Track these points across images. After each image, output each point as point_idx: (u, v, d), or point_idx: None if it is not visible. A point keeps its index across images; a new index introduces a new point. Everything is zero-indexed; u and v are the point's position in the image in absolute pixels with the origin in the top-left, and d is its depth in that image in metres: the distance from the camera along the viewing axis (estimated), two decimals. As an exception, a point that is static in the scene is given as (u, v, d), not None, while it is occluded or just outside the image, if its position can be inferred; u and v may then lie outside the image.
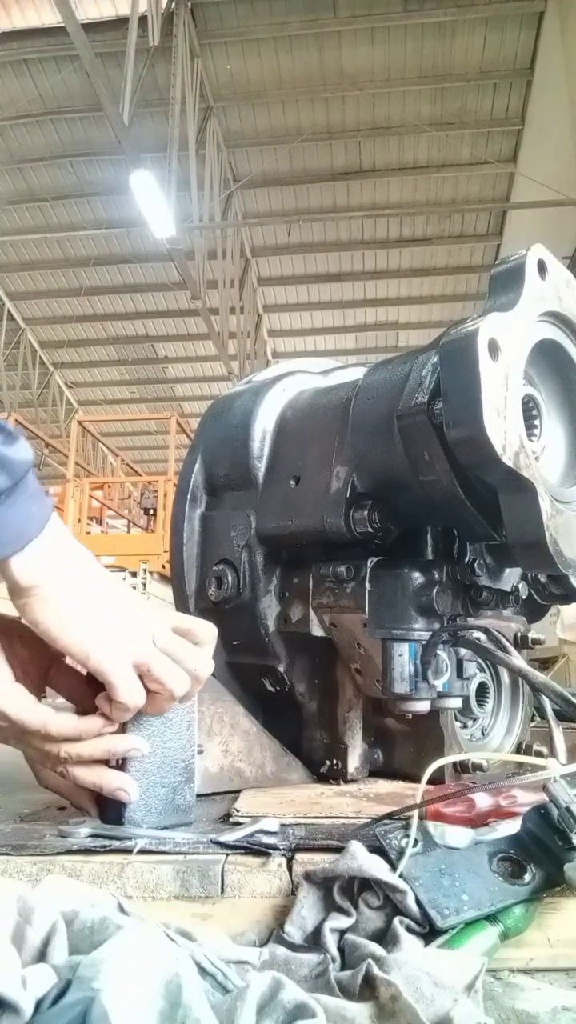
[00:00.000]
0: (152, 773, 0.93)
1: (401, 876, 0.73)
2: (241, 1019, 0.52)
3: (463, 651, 1.15)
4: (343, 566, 1.20)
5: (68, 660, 0.87)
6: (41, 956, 0.57)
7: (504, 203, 12.73)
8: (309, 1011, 0.54)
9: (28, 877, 0.80)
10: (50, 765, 0.87)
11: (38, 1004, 0.50)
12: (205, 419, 1.52)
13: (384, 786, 1.23)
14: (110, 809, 0.92)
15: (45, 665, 0.89)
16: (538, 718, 1.41)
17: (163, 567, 8.87)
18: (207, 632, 0.90)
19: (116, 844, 0.85)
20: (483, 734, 1.35)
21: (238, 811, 0.99)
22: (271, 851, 0.83)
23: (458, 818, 0.83)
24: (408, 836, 0.78)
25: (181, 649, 0.86)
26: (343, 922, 0.72)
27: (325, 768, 1.28)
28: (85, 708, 0.87)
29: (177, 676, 0.84)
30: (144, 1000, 0.51)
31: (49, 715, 0.82)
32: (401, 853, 0.76)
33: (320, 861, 0.79)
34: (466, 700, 1.24)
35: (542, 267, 1.07)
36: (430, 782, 0.85)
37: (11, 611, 0.82)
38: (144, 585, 9.03)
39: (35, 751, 0.85)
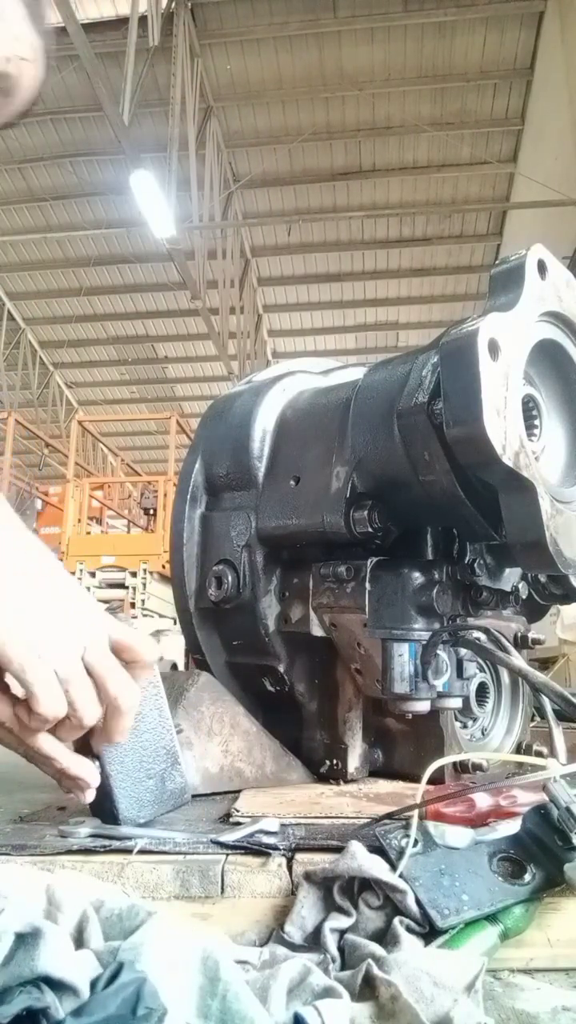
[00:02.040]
0: (135, 768, 0.92)
1: (401, 876, 0.73)
2: (273, 994, 0.56)
3: (463, 651, 1.15)
4: (343, 566, 1.20)
5: None
6: (77, 943, 0.60)
7: (504, 203, 12.72)
8: (336, 993, 0.58)
9: (28, 877, 0.80)
10: (15, 746, 0.79)
11: (92, 985, 0.53)
12: (205, 419, 1.52)
13: (384, 786, 1.23)
14: (103, 807, 0.92)
15: None
16: (538, 718, 1.41)
17: (163, 567, 8.87)
18: (147, 652, 0.81)
19: (116, 844, 0.85)
20: (483, 734, 1.35)
21: (238, 811, 0.99)
22: (271, 851, 0.83)
23: (458, 818, 0.83)
24: (408, 836, 0.78)
25: (108, 669, 0.76)
26: (343, 922, 0.72)
27: (325, 768, 1.28)
28: None
29: (91, 706, 0.75)
30: (185, 977, 0.55)
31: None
32: (401, 853, 0.76)
33: (320, 861, 0.79)
34: (466, 700, 1.24)
35: (542, 267, 1.07)
36: (430, 782, 0.85)
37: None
38: (144, 585, 9.04)
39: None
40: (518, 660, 1.06)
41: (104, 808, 0.92)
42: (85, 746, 0.82)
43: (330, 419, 1.28)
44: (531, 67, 10.52)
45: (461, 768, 1.18)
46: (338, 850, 0.78)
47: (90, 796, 0.82)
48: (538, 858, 0.76)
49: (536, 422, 1.14)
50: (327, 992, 0.58)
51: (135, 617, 8.34)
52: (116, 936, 0.61)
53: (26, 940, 0.54)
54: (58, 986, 0.52)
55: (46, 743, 0.76)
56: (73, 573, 8.25)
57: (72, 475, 10.79)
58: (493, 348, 0.96)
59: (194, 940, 0.59)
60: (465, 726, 1.32)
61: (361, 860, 0.74)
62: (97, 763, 0.84)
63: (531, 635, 1.36)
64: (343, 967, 0.67)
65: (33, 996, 0.50)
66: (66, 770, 0.78)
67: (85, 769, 0.79)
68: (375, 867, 0.73)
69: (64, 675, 0.73)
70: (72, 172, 12.80)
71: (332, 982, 0.60)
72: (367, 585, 1.17)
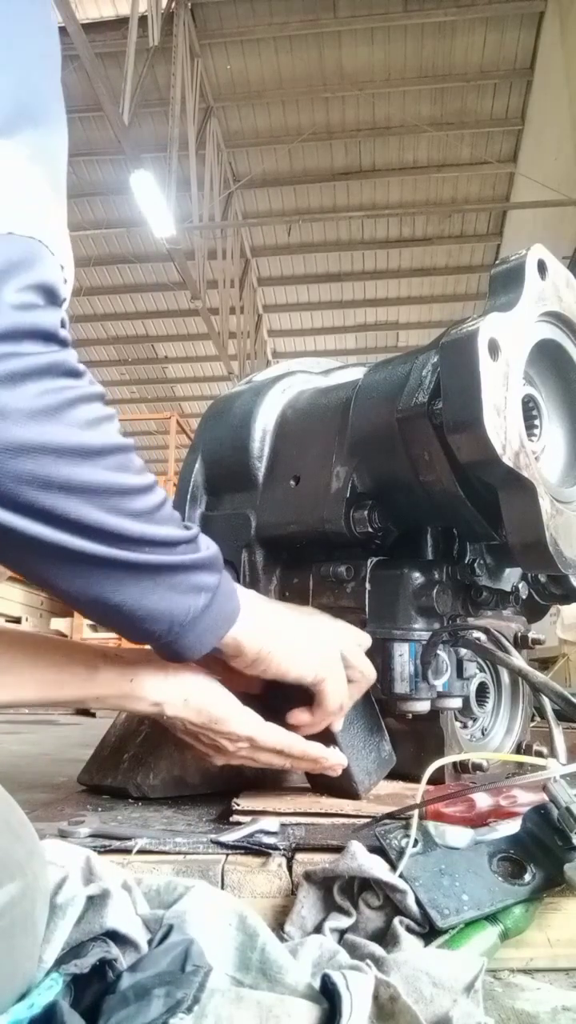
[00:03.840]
0: (362, 745, 1.06)
1: (401, 876, 0.73)
2: (302, 958, 0.63)
3: (463, 651, 1.15)
4: (343, 566, 1.20)
5: None
6: None
7: (504, 203, 12.72)
8: (362, 971, 0.62)
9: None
10: (276, 761, 0.96)
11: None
12: (205, 419, 1.51)
13: (384, 786, 1.23)
14: (341, 785, 1.04)
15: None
16: (538, 718, 1.41)
17: (163, 567, 8.84)
18: (367, 640, 1.06)
19: (116, 844, 0.85)
20: (483, 734, 1.35)
21: (238, 810, 0.99)
22: (271, 851, 0.83)
23: (458, 818, 0.83)
24: (408, 836, 0.78)
25: (359, 659, 1.02)
26: (343, 922, 0.72)
27: (325, 768, 1.28)
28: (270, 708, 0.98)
29: (344, 695, 0.97)
30: (226, 936, 0.63)
31: (284, 736, 0.93)
32: (401, 853, 0.76)
33: (320, 861, 0.79)
34: (466, 700, 1.24)
35: (542, 267, 1.07)
36: (430, 782, 0.85)
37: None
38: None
39: (256, 762, 0.95)
40: (518, 660, 1.06)
41: (339, 784, 1.05)
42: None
43: (330, 419, 1.28)
44: (531, 67, 10.52)
45: (461, 768, 1.18)
46: (338, 850, 0.78)
47: (339, 772, 1.00)
48: (538, 858, 0.76)
49: (536, 422, 1.14)
50: (354, 969, 0.61)
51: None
52: (157, 908, 0.67)
53: (95, 901, 0.61)
54: (122, 941, 0.60)
55: (313, 747, 0.95)
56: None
57: (72, 475, 10.76)
58: (493, 348, 0.96)
59: (229, 905, 0.66)
60: (465, 726, 1.32)
61: (361, 860, 0.74)
62: (337, 749, 1.01)
63: (531, 635, 1.36)
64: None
65: (104, 949, 0.58)
66: (324, 761, 0.96)
67: (338, 756, 0.99)
68: (375, 867, 0.73)
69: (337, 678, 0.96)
70: (72, 172, 12.69)
71: (359, 963, 0.63)
72: (367, 585, 1.17)
